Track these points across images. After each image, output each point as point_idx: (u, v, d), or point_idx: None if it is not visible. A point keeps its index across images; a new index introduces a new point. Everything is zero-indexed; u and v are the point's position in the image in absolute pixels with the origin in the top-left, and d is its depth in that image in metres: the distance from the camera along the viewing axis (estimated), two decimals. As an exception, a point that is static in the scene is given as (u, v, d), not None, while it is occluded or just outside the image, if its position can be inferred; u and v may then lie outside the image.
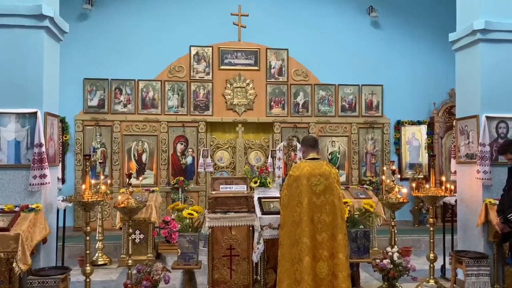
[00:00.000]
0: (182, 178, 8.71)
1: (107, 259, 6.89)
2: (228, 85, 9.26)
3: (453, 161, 6.06)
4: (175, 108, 9.15)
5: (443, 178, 5.84)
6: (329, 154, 9.50)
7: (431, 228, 5.41)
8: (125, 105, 9.04)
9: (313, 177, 4.22)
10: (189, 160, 9.14)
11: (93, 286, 4.96)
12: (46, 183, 4.61)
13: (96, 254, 6.83)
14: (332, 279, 4.12)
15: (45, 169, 4.58)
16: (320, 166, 4.30)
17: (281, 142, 8.35)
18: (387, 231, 6.60)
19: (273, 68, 9.41)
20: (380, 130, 9.67)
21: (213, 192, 4.94)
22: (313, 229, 4.16)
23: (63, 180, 8.05)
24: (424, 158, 9.74)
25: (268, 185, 5.46)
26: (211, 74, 9.23)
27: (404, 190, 5.65)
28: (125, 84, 9.05)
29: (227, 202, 4.83)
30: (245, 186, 5.07)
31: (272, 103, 9.40)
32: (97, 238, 6.87)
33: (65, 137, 8.74)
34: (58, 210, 5.27)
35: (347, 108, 9.60)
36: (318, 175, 4.23)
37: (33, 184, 4.56)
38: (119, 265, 6.68)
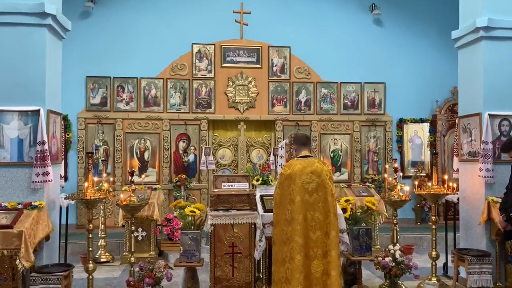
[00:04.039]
0: (184, 176, 8.73)
1: (110, 257, 6.92)
2: (230, 83, 9.26)
3: (455, 159, 6.04)
4: (177, 106, 9.16)
5: (446, 176, 5.84)
6: (331, 152, 9.49)
7: (433, 226, 5.41)
8: (127, 103, 9.05)
9: (304, 175, 4.17)
10: (191, 158, 9.15)
11: (95, 283, 4.98)
12: (48, 180, 4.62)
13: (99, 252, 6.86)
14: (326, 277, 4.10)
15: (47, 166, 4.59)
16: (311, 163, 4.25)
17: (283, 140, 8.35)
18: (389, 229, 6.60)
19: (275, 66, 9.40)
20: (383, 128, 9.66)
21: (215, 190, 4.95)
22: (307, 227, 4.11)
23: (65, 178, 8.09)
24: (426, 156, 9.72)
25: (270, 183, 5.46)
26: (213, 72, 9.24)
27: (406, 188, 5.64)
28: (127, 82, 9.06)
29: (229, 200, 4.83)
30: (247, 184, 5.07)
31: (274, 101, 9.40)
32: (99, 235, 6.89)
33: (68, 135, 8.76)
34: (60, 208, 5.29)
35: (349, 106, 9.59)
36: (310, 172, 4.19)
37: (35, 182, 4.57)
38: (122, 263, 6.71)
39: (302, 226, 4.10)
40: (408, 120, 9.78)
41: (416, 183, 5.72)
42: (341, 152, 9.54)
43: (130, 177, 5.17)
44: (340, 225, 4.39)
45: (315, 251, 4.11)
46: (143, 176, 8.27)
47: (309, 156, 4.33)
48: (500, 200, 4.85)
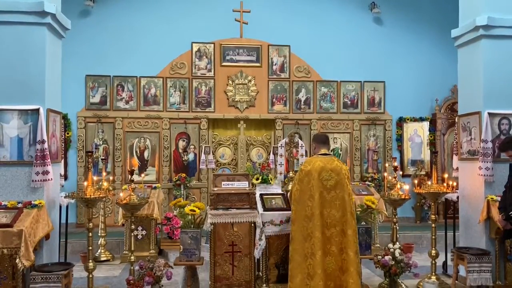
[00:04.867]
0: (184, 174, 8.71)
1: (110, 255, 6.92)
2: (230, 82, 9.25)
3: (455, 158, 6.05)
4: (177, 105, 9.16)
5: (445, 175, 5.83)
6: (331, 151, 9.49)
7: (433, 225, 5.41)
8: (127, 102, 9.05)
9: (324, 172, 4.24)
10: (191, 156, 9.15)
11: (95, 282, 4.99)
12: (48, 179, 4.62)
13: (99, 250, 6.86)
14: (340, 274, 4.14)
15: (47, 165, 4.59)
16: (331, 161, 4.33)
17: (283, 138, 8.34)
18: (389, 227, 6.60)
19: (275, 64, 9.40)
20: (382, 126, 9.66)
21: (215, 189, 4.95)
22: (323, 223, 4.18)
23: (65, 177, 8.09)
24: (426, 155, 9.73)
25: (270, 181, 5.46)
26: (212, 70, 9.23)
27: (406, 187, 5.64)
28: (127, 81, 9.06)
29: (229, 199, 4.83)
30: (247, 182, 5.07)
31: (274, 99, 9.40)
32: (99, 234, 6.90)
33: (68, 133, 8.76)
34: (60, 207, 5.29)
35: (349, 104, 9.59)
36: (329, 170, 4.26)
37: (35, 181, 4.57)
38: (122, 261, 6.72)
39: (320, 222, 4.14)
40: (407, 119, 9.78)
41: (416, 181, 5.71)
42: (341, 150, 9.54)
43: (130, 176, 5.17)
44: None
45: (328, 247, 4.16)
46: (142, 175, 8.25)
47: (328, 155, 4.38)
48: (499, 198, 4.86)
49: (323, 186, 4.22)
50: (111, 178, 8.43)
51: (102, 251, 6.89)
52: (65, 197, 5.22)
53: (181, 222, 5.10)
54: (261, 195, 5.07)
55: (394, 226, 5.65)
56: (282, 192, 5.20)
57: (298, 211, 4.25)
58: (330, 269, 4.14)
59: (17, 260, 4.06)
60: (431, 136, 9.73)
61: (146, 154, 9.06)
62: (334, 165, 4.30)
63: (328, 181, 4.24)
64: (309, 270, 4.10)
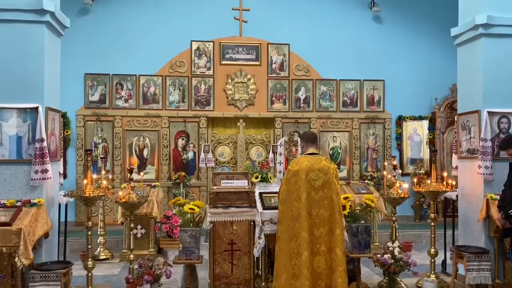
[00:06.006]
0: (183, 173, 8.73)
1: (109, 254, 6.92)
2: (229, 80, 9.25)
3: (454, 156, 6.05)
4: (176, 103, 9.15)
5: (445, 173, 5.83)
6: (331, 150, 9.49)
7: (432, 223, 5.41)
8: (126, 100, 9.04)
9: (311, 172, 4.23)
10: (190, 155, 9.15)
11: (95, 281, 4.99)
12: (47, 178, 4.62)
13: (98, 249, 6.86)
14: (329, 273, 4.15)
15: (46, 164, 4.58)
16: (319, 161, 4.30)
17: (282, 137, 8.35)
18: (388, 226, 6.61)
19: (275, 63, 9.39)
20: (382, 125, 9.66)
21: (215, 187, 4.95)
22: (311, 223, 4.18)
23: (64, 175, 8.08)
24: (425, 153, 9.73)
25: (269, 180, 5.46)
26: (212, 69, 9.22)
27: (405, 185, 5.64)
28: (126, 79, 9.04)
29: (228, 197, 4.83)
30: (246, 181, 5.07)
31: (273, 98, 9.39)
32: (98, 233, 6.89)
33: (67, 132, 8.75)
34: (59, 205, 5.29)
35: (348, 103, 9.59)
36: (317, 170, 4.24)
37: (34, 179, 4.57)
38: (121, 260, 6.72)
39: (308, 222, 4.14)
40: (407, 118, 9.78)
41: (415, 180, 5.71)
42: (340, 149, 9.54)
43: (129, 175, 5.17)
44: None
45: (318, 247, 4.15)
46: (142, 173, 8.25)
47: (316, 154, 4.37)
48: (498, 197, 4.86)
49: (311, 186, 4.22)
50: (110, 176, 8.42)
51: (102, 249, 6.89)
52: (64, 195, 5.22)
53: (181, 220, 5.10)
54: (260, 193, 5.08)
55: (393, 225, 5.66)
56: (281, 191, 5.20)
57: (284, 211, 4.25)
58: (320, 269, 4.14)
59: (16, 259, 4.05)
60: (430, 135, 9.73)
61: (145, 152, 9.06)
62: (321, 164, 4.28)
63: (316, 181, 4.23)
64: (294, 270, 4.10)
